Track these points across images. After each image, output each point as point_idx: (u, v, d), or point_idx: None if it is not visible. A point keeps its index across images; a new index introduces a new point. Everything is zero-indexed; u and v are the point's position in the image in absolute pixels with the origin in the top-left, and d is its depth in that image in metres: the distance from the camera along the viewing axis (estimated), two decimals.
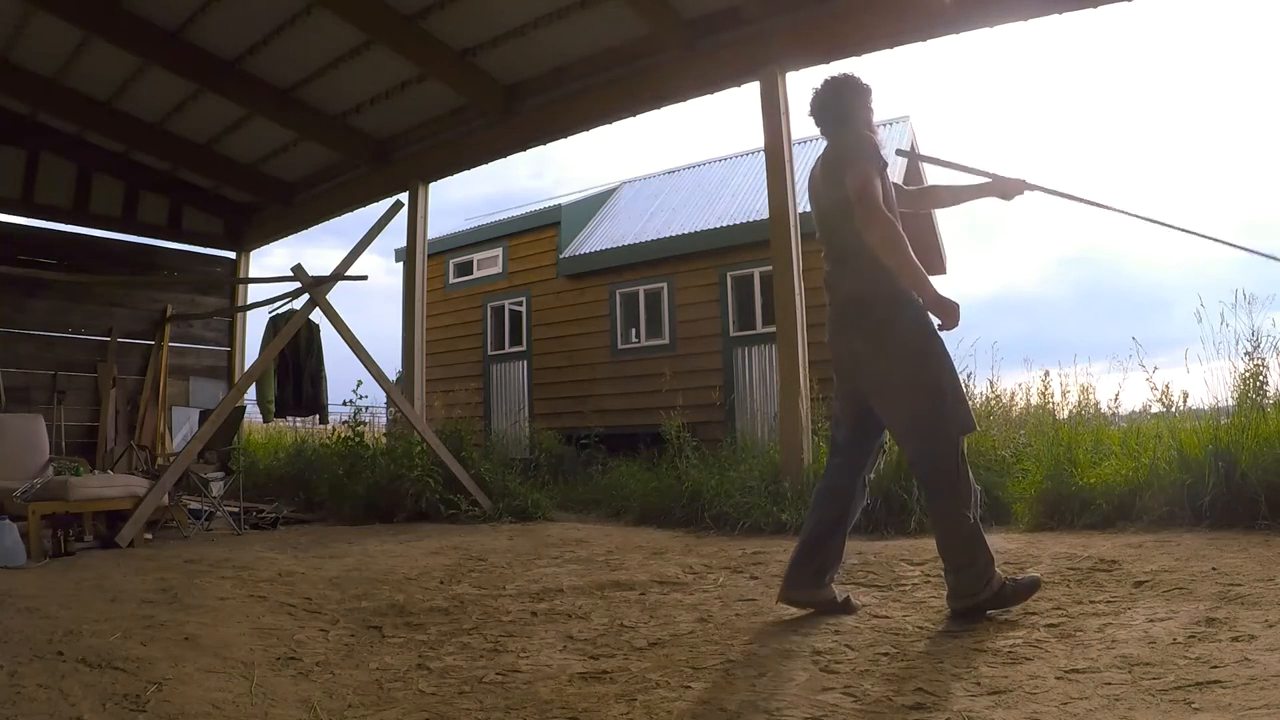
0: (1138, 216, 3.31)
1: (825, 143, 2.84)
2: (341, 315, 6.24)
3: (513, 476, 6.44)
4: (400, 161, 7.64)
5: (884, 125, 10.06)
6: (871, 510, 4.49)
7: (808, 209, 8.90)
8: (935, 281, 2.62)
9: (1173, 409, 4.40)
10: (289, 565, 4.00)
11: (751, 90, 5.55)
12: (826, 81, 2.81)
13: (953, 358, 2.68)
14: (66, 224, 8.25)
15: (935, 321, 2.54)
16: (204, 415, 6.83)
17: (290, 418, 8.30)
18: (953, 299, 2.50)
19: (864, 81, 2.82)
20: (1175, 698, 1.72)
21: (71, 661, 2.24)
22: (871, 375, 2.64)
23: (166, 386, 8.61)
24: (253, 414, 9.42)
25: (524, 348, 10.34)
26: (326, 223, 8.81)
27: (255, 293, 8.56)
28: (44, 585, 3.45)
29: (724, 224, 8.95)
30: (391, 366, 7.23)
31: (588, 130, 6.61)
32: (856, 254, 2.62)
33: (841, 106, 2.77)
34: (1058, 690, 1.84)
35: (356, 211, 8.39)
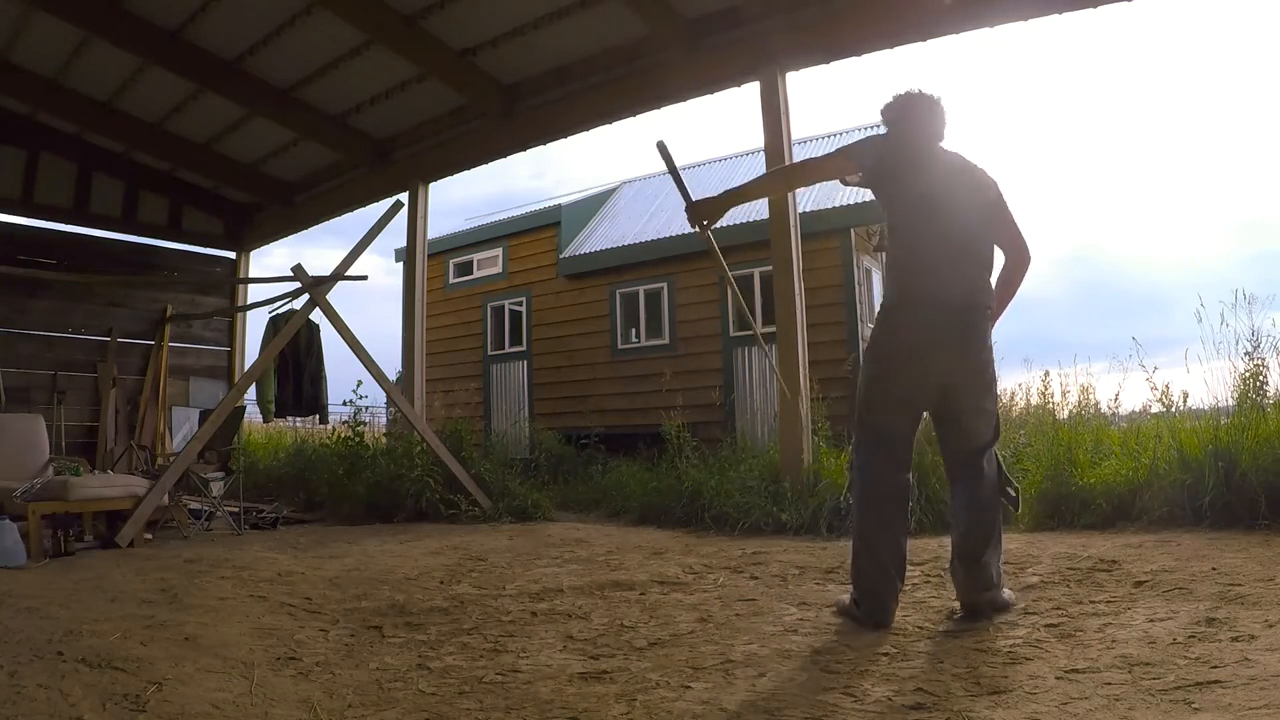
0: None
1: (936, 147, 2.84)
2: (341, 315, 6.25)
3: (513, 476, 6.44)
4: (400, 161, 7.64)
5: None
6: None
7: (807, 209, 8.85)
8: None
9: (1173, 409, 4.41)
10: (289, 565, 4.00)
11: (751, 90, 5.55)
12: (933, 96, 2.87)
13: None
14: (66, 224, 8.25)
15: None
16: (204, 415, 6.82)
17: (290, 418, 8.31)
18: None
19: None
20: (1175, 698, 1.72)
21: (71, 661, 2.24)
22: (965, 383, 2.65)
23: (166, 386, 8.61)
24: (253, 414, 9.43)
25: (524, 348, 10.34)
26: (326, 223, 8.83)
27: (255, 293, 8.57)
28: (44, 585, 3.45)
29: (724, 224, 8.94)
30: (391, 366, 7.24)
31: (588, 130, 6.61)
32: (986, 266, 2.74)
33: (942, 122, 2.87)
34: (1058, 690, 1.84)
35: (356, 211, 8.41)
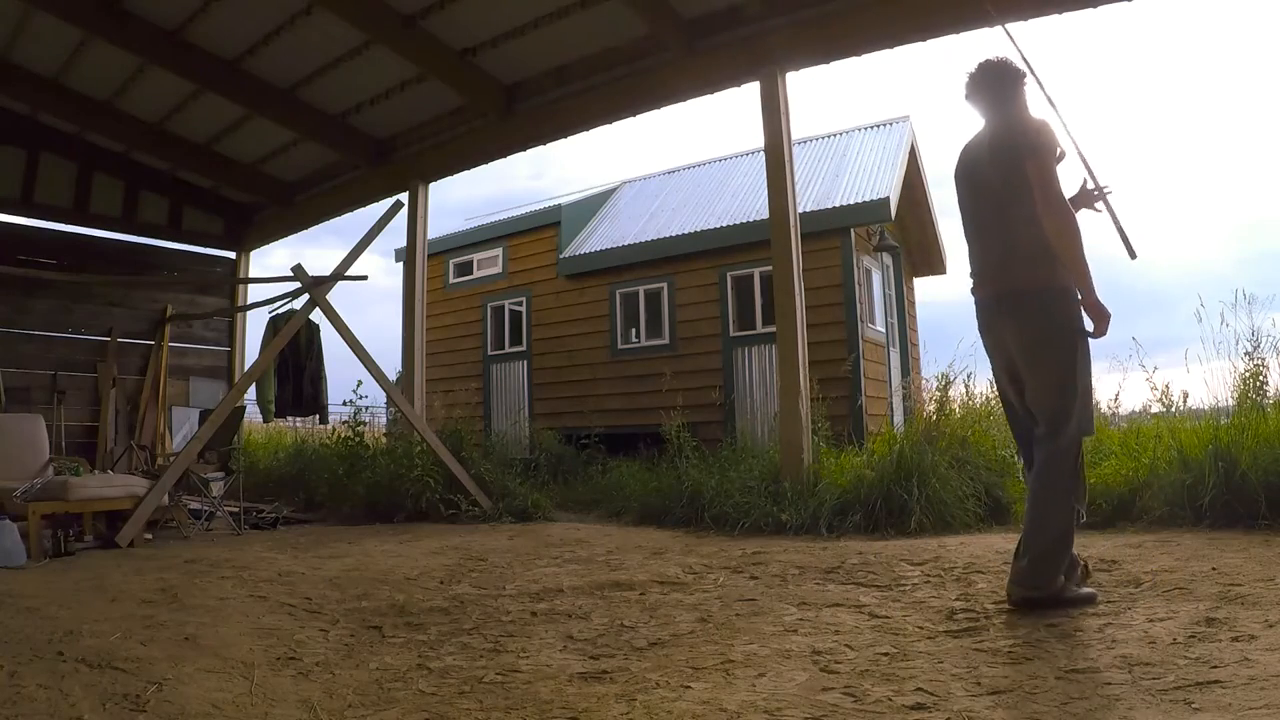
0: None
1: (985, 123, 2.80)
2: (341, 315, 6.25)
3: (513, 476, 6.44)
4: (400, 161, 7.64)
5: (884, 125, 10.06)
6: (872, 510, 4.50)
7: (807, 209, 8.87)
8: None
9: (1173, 409, 4.41)
10: (289, 565, 4.00)
11: (751, 90, 5.55)
12: (990, 61, 2.79)
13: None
14: (66, 224, 8.24)
15: (1086, 324, 2.61)
16: (204, 415, 6.82)
17: (290, 418, 8.30)
18: (1108, 308, 2.56)
19: (1020, 67, 2.80)
20: (1175, 698, 1.72)
21: (71, 661, 2.24)
22: (1032, 362, 2.64)
23: (166, 386, 8.61)
24: (253, 414, 9.43)
25: (524, 348, 10.34)
26: (326, 223, 8.83)
27: (255, 293, 8.57)
28: (44, 585, 3.45)
29: (724, 224, 8.95)
30: (391, 366, 7.24)
31: (588, 130, 6.61)
32: (1029, 242, 2.60)
33: (1008, 87, 2.74)
34: (1058, 690, 1.84)
35: (356, 211, 8.41)
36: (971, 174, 2.81)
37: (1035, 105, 2.77)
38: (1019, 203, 2.60)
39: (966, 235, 2.86)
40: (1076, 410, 2.58)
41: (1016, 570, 2.58)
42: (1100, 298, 2.57)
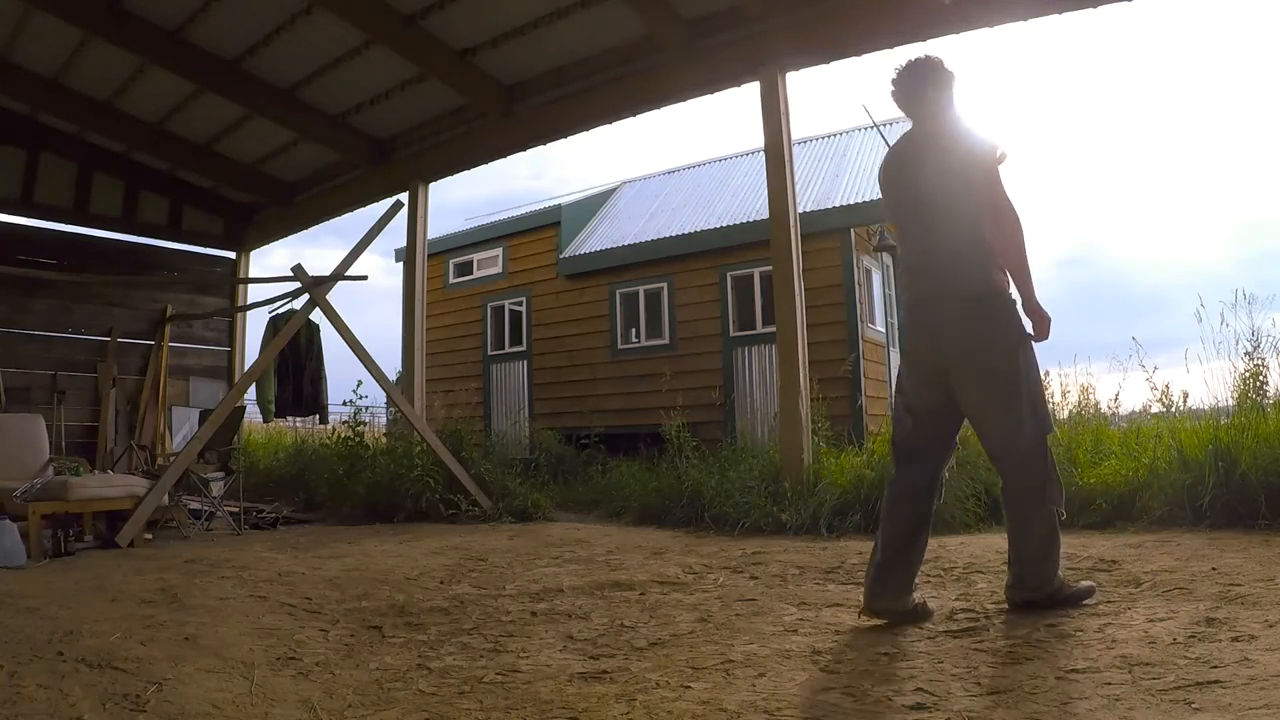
0: None
1: (917, 122, 2.75)
2: (341, 315, 6.25)
3: (513, 476, 6.44)
4: (400, 161, 7.64)
5: (887, 125, 10.06)
6: (872, 510, 4.50)
7: (807, 209, 8.85)
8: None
9: (1173, 409, 4.41)
10: (289, 565, 4.00)
11: (751, 90, 5.55)
12: (919, 61, 2.75)
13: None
14: (66, 224, 8.24)
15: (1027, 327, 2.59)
16: (204, 415, 6.82)
17: (290, 418, 8.30)
18: (1048, 312, 2.56)
19: (951, 69, 2.76)
20: (1175, 698, 1.72)
21: (71, 661, 2.24)
22: (970, 371, 2.56)
23: (166, 386, 8.60)
24: (253, 414, 9.42)
25: (524, 348, 10.34)
26: (326, 223, 8.83)
27: (255, 293, 8.57)
28: (44, 585, 3.45)
29: (724, 224, 8.95)
30: (391, 366, 7.24)
31: (588, 130, 6.61)
32: (971, 245, 2.56)
33: (944, 88, 2.71)
34: (1058, 690, 1.84)
35: (356, 211, 8.41)
36: (908, 173, 2.73)
37: (965, 107, 2.76)
38: (961, 203, 2.57)
39: (901, 235, 2.81)
40: (1027, 414, 2.52)
41: (1013, 576, 2.59)
42: (1040, 301, 2.57)
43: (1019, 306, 2.58)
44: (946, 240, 2.61)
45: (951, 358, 2.57)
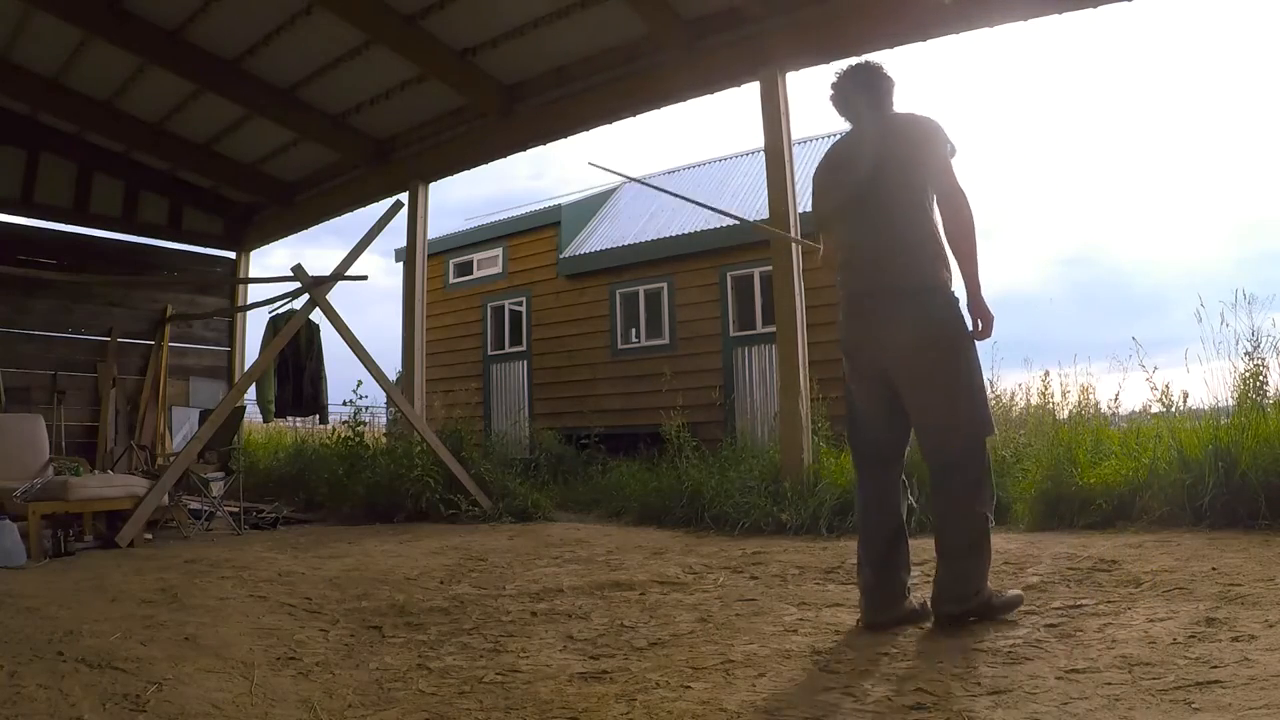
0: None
1: (862, 122, 2.72)
2: (341, 315, 6.25)
3: (513, 476, 6.43)
4: (400, 161, 7.64)
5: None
6: None
7: (808, 209, 8.82)
8: None
9: (1173, 409, 4.41)
10: (289, 565, 4.00)
11: (751, 90, 5.55)
12: (865, 65, 2.75)
13: None
14: (66, 224, 8.24)
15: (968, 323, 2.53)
16: (204, 415, 6.82)
17: (290, 418, 8.30)
18: (991, 310, 2.52)
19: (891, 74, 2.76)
20: (1175, 698, 1.72)
21: (71, 661, 2.24)
22: (909, 367, 2.51)
23: (166, 386, 8.61)
24: (253, 414, 9.42)
25: (524, 348, 10.34)
26: (326, 223, 8.83)
27: (255, 293, 8.57)
28: (44, 585, 3.45)
29: (724, 224, 8.95)
30: (391, 366, 7.24)
31: (588, 130, 6.61)
32: (913, 239, 2.51)
33: (887, 90, 2.71)
34: (1058, 690, 1.84)
35: (356, 211, 8.40)
36: (846, 171, 2.68)
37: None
38: (903, 196, 2.52)
39: (839, 229, 2.77)
40: (965, 414, 2.46)
41: (937, 587, 2.46)
42: (985, 299, 2.50)
43: (962, 304, 2.53)
44: (888, 235, 2.56)
45: (890, 354, 2.52)
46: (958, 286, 2.57)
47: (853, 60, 2.79)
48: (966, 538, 2.44)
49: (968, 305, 2.52)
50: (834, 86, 2.75)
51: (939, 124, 2.58)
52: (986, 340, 2.54)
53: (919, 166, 2.55)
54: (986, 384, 2.68)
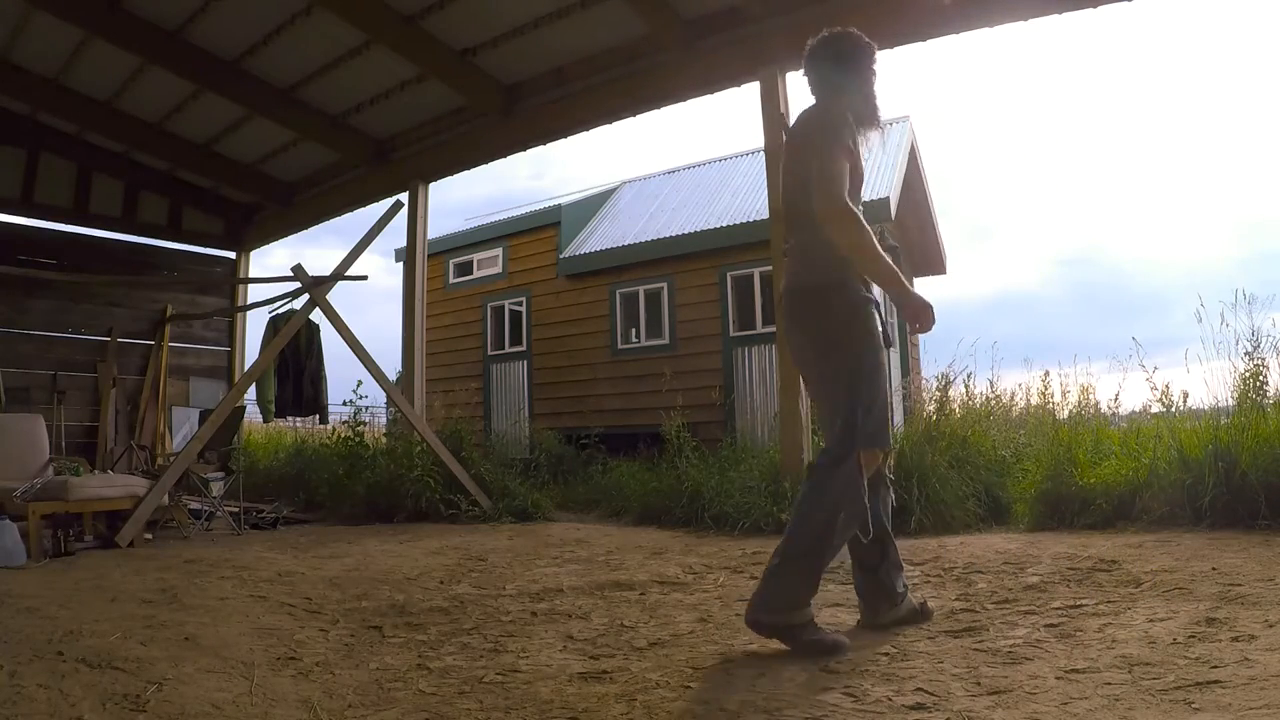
0: None
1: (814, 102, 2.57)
2: (341, 315, 6.25)
3: (513, 476, 6.44)
4: (400, 161, 7.64)
5: (884, 125, 10.04)
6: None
7: None
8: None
9: (1173, 409, 4.41)
10: (289, 565, 4.00)
11: (751, 90, 5.55)
12: (832, 35, 2.58)
13: (886, 371, 2.45)
14: (66, 224, 8.23)
15: (901, 325, 2.47)
16: (204, 415, 6.82)
17: (290, 418, 8.30)
18: (925, 299, 2.31)
19: (865, 39, 2.58)
20: (1175, 698, 1.72)
21: (71, 661, 2.24)
22: (804, 368, 2.55)
23: (166, 386, 8.61)
24: (253, 414, 9.42)
25: (524, 348, 10.34)
26: (326, 223, 8.82)
27: (255, 293, 8.57)
28: (44, 585, 3.45)
29: (724, 224, 8.95)
30: (391, 366, 7.24)
31: (588, 130, 6.61)
32: (812, 241, 2.42)
33: (842, 67, 2.52)
34: (1058, 690, 1.84)
35: (356, 211, 8.40)
36: (785, 158, 2.61)
37: (877, 88, 2.56)
38: (806, 195, 2.40)
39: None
40: (842, 420, 2.32)
41: (763, 589, 2.32)
42: (912, 290, 2.34)
43: (874, 303, 2.39)
44: (799, 233, 2.50)
45: (796, 355, 2.54)
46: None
47: (836, 28, 2.62)
48: (802, 547, 2.30)
49: (899, 306, 2.36)
50: (805, 59, 2.61)
51: (828, 121, 2.41)
52: (926, 334, 2.39)
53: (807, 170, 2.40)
54: (887, 393, 2.42)
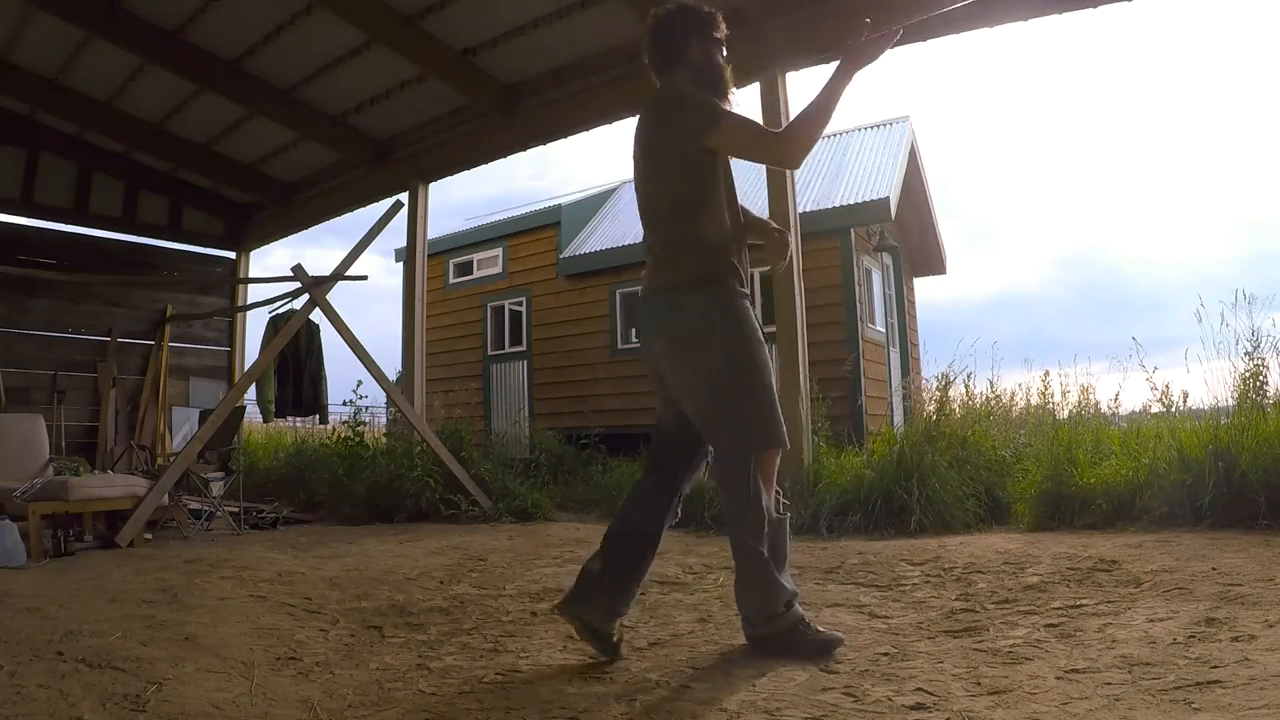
0: None
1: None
2: (341, 315, 6.25)
3: (513, 476, 6.44)
4: (400, 161, 7.64)
5: (884, 125, 10.05)
6: (872, 510, 4.50)
7: (807, 209, 8.85)
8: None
9: (1173, 409, 4.41)
10: (289, 565, 4.00)
11: (751, 90, 5.55)
12: (659, 14, 2.50)
13: (770, 364, 2.30)
14: (66, 224, 8.23)
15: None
16: (204, 415, 6.82)
17: (290, 418, 8.30)
18: (866, 50, 2.22)
19: (703, 10, 2.46)
20: (1175, 698, 1.72)
21: (71, 661, 2.24)
22: (672, 373, 2.31)
23: (166, 386, 8.60)
24: (253, 414, 9.42)
25: (524, 348, 10.34)
26: (326, 223, 8.82)
27: (255, 293, 8.57)
28: (44, 585, 3.45)
29: None
30: (391, 366, 7.24)
31: (588, 130, 6.59)
32: (668, 239, 2.33)
33: (674, 44, 2.45)
34: (1058, 690, 1.84)
35: (356, 211, 8.40)
36: (635, 151, 2.44)
37: (718, 57, 2.44)
38: (659, 184, 2.31)
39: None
40: (723, 423, 2.21)
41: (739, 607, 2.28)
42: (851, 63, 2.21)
43: (737, 295, 2.28)
44: (652, 232, 2.40)
45: (657, 357, 2.35)
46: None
47: (664, 6, 2.50)
48: (739, 560, 2.25)
49: (858, 63, 2.22)
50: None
51: (678, 97, 2.33)
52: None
53: (663, 151, 2.31)
54: (771, 387, 2.27)
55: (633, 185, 2.49)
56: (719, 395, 2.20)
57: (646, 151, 2.38)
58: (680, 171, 2.30)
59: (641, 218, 2.47)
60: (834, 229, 8.10)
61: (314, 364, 7.26)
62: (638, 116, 2.48)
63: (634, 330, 2.36)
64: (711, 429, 2.25)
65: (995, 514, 4.54)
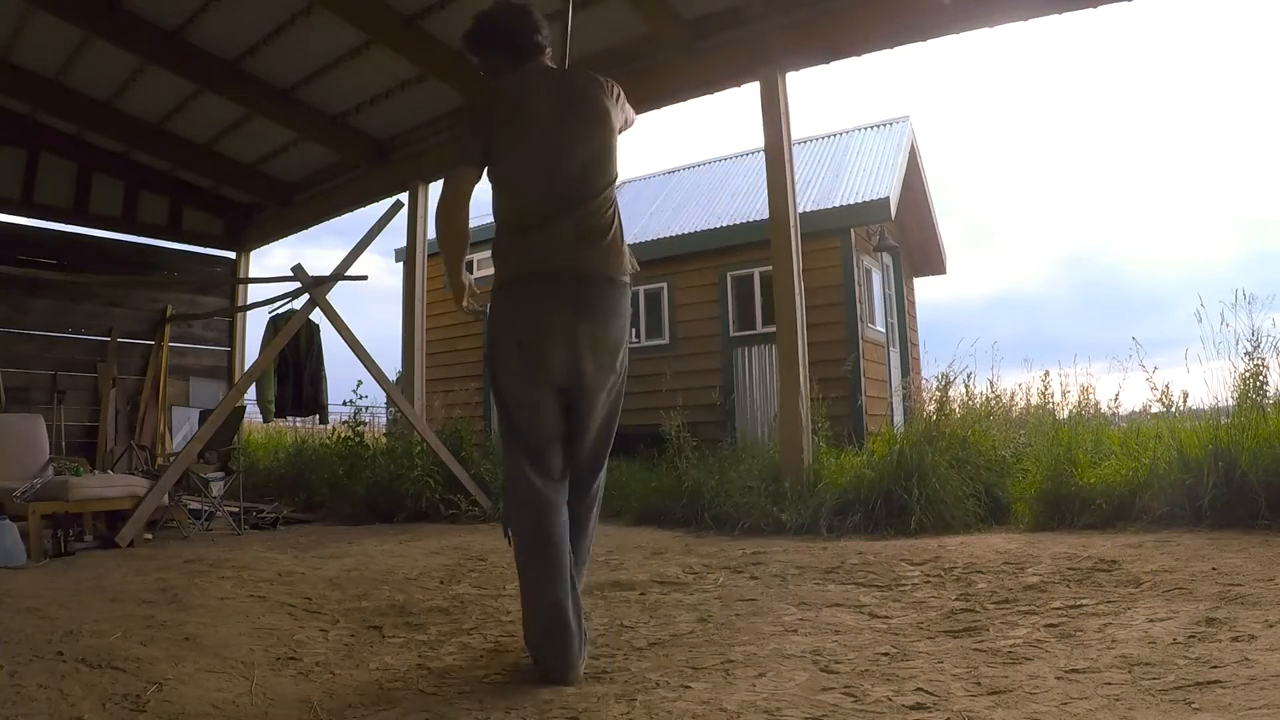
0: None
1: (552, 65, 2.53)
2: (341, 315, 6.24)
3: None
4: (400, 161, 7.64)
5: (884, 125, 10.06)
6: (872, 510, 4.50)
7: (807, 209, 8.86)
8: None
9: (1173, 409, 4.41)
10: (289, 565, 4.00)
11: (751, 90, 5.55)
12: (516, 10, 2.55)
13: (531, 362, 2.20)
14: (66, 224, 8.23)
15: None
16: (204, 415, 6.82)
17: (290, 418, 8.31)
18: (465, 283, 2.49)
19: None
20: (1175, 698, 1.72)
21: (71, 661, 2.24)
22: (593, 370, 2.28)
23: (166, 386, 8.60)
24: (253, 414, 9.42)
25: None
26: (326, 223, 8.82)
27: (255, 293, 8.56)
28: (44, 585, 3.45)
29: (724, 224, 8.96)
30: (391, 366, 7.24)
31: None
32: (611, 223, 2.30)
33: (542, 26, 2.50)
34: (1058, 690, 1.84)
35: (356, 211, 8.40)
36: (562, 113, 2.41)
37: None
38: (602, 154, 2.34)
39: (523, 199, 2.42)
40: (503, 420, 2.29)
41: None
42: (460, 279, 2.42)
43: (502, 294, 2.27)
44: (583, 202, 2.31)
45: (593, 357, 2.29)
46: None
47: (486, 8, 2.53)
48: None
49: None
50: (470, 34, 2.63)
51: (601, 80, 2.37)
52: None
53: (613, 126, 2.37)
54: (513, 389, 2.25)
55: (549, 137, 2.25)
56: (617, 408, 2.38)
57: (593, 114, 2.29)
58: (614, 157, 2.32)
59: (559, 175, 2.23)
60: (834, 229, 8.11)
61: (314, 364, 7.26)
62: (560, 72, 2.50)
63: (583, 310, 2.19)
64: (600, 443, 2.39)
65: (995, 514, 4.54)
